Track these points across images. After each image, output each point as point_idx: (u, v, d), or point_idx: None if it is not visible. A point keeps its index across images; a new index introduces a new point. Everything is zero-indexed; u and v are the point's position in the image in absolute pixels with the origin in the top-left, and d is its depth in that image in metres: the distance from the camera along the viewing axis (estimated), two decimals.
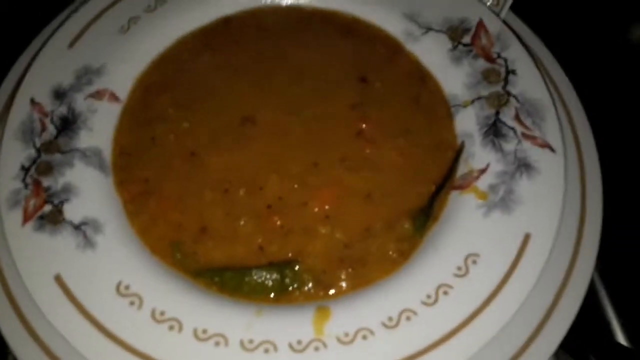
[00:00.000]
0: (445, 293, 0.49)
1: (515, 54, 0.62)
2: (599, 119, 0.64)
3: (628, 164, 0.69)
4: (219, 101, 0.61)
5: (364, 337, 0.47)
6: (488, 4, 0.67)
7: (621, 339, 0.65)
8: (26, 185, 0.53)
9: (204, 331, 0.47)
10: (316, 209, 0.55)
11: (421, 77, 0.64)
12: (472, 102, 0.60)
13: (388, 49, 0.65)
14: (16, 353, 0.48)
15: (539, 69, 0.61)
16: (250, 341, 0.46)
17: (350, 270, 0.52)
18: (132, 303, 0.48)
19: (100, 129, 0.58)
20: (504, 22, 0.65)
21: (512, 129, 0.57)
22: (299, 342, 0.46)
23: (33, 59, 0.62)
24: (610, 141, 0.65)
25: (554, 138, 0.56)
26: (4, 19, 0.76)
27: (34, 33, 0.67)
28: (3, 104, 0.62)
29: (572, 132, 0.62)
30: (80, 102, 0.58)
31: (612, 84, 0.75)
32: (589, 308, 0.63)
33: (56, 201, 0.52)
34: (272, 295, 0.50)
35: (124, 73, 0.61)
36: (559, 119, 0.58)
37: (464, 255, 0.51)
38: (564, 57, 0.67)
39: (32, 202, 0.52)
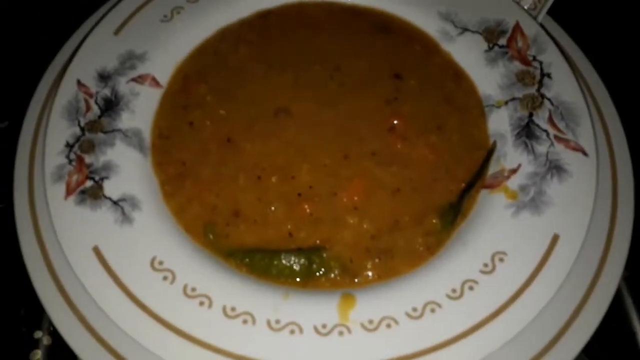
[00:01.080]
0: (471, 288, 0.49)
1: (551, 58, 0.62)
2: (633, 124, 0.63)
3: None
4: (255, 91, 0.63)
5: (388, 326, 0.47)
6: (526, 7, 0.67)
7: None
8: (70, 161, 0.55)
9: (233, 309, 0.48)
10: (345, 200, 0.56)
11: (456, 76, 0.64)
12: (506, 103, 0.60)
13: (423, 48, 0.66)
14: (52, 319, 0.50)
15: (574, 73, 0.61)
16: (277, 321, 0.47)
17: (377, 260, 0.53)
18: (165, 278, 0.49)
19: (141, 111, 0.60)
20: (541, 25, 0.65)
21: (545, 131, 0.58)
22: (324, 326, 0.47)
23: (81, 43, 0.65)
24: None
25: (587, 142, 0.56)
26: (54, 5, 0.79)
27: (82, 18, 0.70)
28: (51, 83, 0.64)
29: (606, 136, 0.62)
30: (123, 85, 0.60)
31: None
32: (615, 317, 0.63)
33: (97, 177, 0.55)
34: (299, 279, 0.51)
35: (165, 60, 0.64)
36: (592, 123, 0.58)
37: (492, 252, 0.51)
38: (600, 62, 0.67)
39: (74, 177, 0.54)
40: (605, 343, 0.59)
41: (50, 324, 0.54)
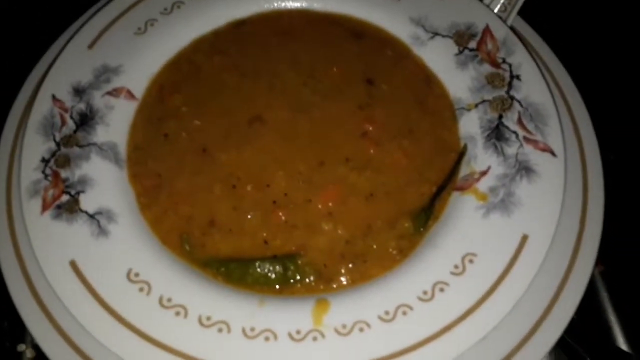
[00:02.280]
0: (442, 290, 0.50)
1: (520, 60, 0.63)
2: (603, 123, 0.65)
3: (631, 170, 0.70)
4: (229, 101, 0.64)
5: (361, 330, 0.48)
6: (495, 10, 0.68)
7: (622, 343, 0.65)
8: (46, 176, 0.56)
9: (208, 318, 0.49)
10: (320, 206, 0.57)
11: (427, 81, 0.65)
12: (476, 105, 0.62)
13: (395, 53, 0.67)
14: (32, 332, 0.51)
15: (543, 74, 0.62)
16: (252, 329, 0.48)
17: (350, 265, 0.54)
18: (141, 289, 0.50)
19: (116, 124, 0.61)
20: (511, 27, 0.66)
21: (515, 132, 0.59)
22: (298, 331, 0.48)
23: (55, 58, 0.65)
24: (615, 145, 0.66)
25: (555, 142, 0.57)
26: (29, 21, 0.79)
27: (56, 34, 0.71)
28: (26, 99, 0.65)
29: (576, 136, 0.63)
30: (98, 99, 0.61)
31: (618, 89, 0.76)
32: (590, 311, 0.64)
33: (73, 192, 0.55)
34: (275, 286, 0.52)
35: (140, 72, 0.64)
36: (561, 123, 0.59)
37: (462, 254, 0.52)
38: (571, 62, 0.68)
39: (50, 192, 0.55)
40: (581, 337, 0.60)
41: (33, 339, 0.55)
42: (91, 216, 0.54)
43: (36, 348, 0.61)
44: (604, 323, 0.66)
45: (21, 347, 0.62)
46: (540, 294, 0.53)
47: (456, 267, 0.51)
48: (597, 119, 0.65)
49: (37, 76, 0.67)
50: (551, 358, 0.59)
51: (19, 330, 0.61)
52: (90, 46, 0.64)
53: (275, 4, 0.71)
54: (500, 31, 0.65)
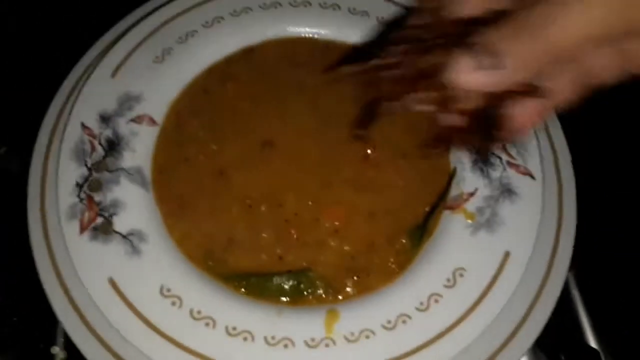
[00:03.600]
0: (436, 301, 0.58)
1: None
2: (579, 145, 0.72)
3: (603, 188, 0.77)
4: (242, 125, 0.70)
5: (367, 337, 0.56)
6: None
7: (591, 340, 0.74)
8: (81, 200, 0.61)
9: (234, 328, 0.56)
10: (327, 224, 0.64)
11: None
12: None
13: None
14: (77, 344, 0.57)
15: None
16: (273, 337, 0.56)
17: (355, 278, 0.61)
18: (173, 303, 0.57)
19: (140, 150, 0.66)
20: None
21: (499, 157, 0.66)
22: (313, 339, 0.56)
23: (77, 84, 0.71)
24: (588, 166, 0.74)
25: (534, 166, 0.65)
26: (43, 48, 0.84)
27: (73, 59, 0.76)
28: (51, 126, 0.70)
29: (553, 157, 0.71)
30: (123, 126, 0.67)
31: (595, 113, 0.83)
32: (564, 312, 0.72)
33: (106, 214, 0.61)
34: (290, 298, 0.59)
35: (159, 99, 0.70)
36: (539, 149, 0.66)
37: (453, 268, 0.60)
38: None
39: (86, 215, 0.61)
40: (555, 337, 0.68)
41: (66, 340, 0.62)
42: (124, 237, 0.60)
43: (68, 350, 0.67)
44: (576, 322, 0.75)
45: (54, 350, 0.68)
46: (521, 301, 0.61)
47: (448, 280, 0.59)
48: (570, 138, 0.72)
49: (60, 103, 0.71)
50: (530, 355, 0.67)
51: (52, 332, 0.68)
52: (113, 75, 0.69)
53: (280, 33, 0.76)
54: None
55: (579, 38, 0.32)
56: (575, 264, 0.74)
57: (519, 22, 0.33)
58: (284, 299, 0.59)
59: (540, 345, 0.68)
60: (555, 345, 0.69)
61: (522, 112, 0.39)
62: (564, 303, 0.73)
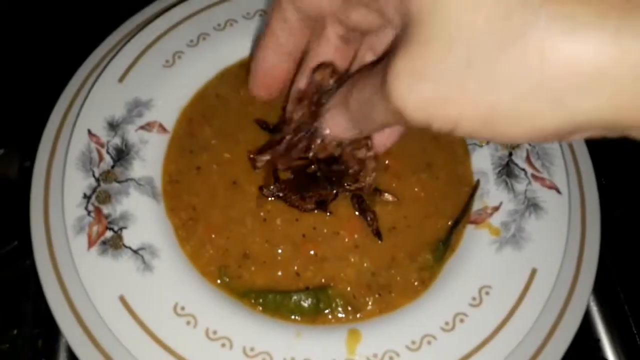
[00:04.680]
0: (462, 321, 0.56)
1: None
2: (600, 157, 0.71)
3: (627, 203, 0.76)
4: (256, 134, 0.67)
5: (391, 358, 0.54)
6: None
7: (610, 355, 0.72)
8: (89, 213, 0.58)
9: (252, 349, 0.53)
10: (347, 239, 0.61)
11: None
12: (487, 142, 0.66)
13: None
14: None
15: None
16: (292, 359, 0.53)
17: (377, 295, 0.59)
18: (188, 323, 0.54)
19: (151, 158, 0.63)
20: None
21: (524, 170, 0.64)
22: None
23: (82, 88, 0.68)
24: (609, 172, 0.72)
25: (560, 180, 0.63)
26: (47, 50, 0.80)
27: (75, 62, 0.72)
28: (55, 131, 0.67)
29: (577, 172, 0.69)
30: (132, 133, 0.64)
31: None
32: (583, 326, 0.71)
33: (116, 228, 0.58)
34: (309, 317, 0.57)
35: (170, 105, 0.67)
36: (565, 162, 0.64)
37: (479, 286, 0.58)
38: None
39: (95, 229, 0.58)
40: (575, 352, 0.67)
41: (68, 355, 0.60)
42: (135, 252, 0.57)
43: None
44: (595, 336, 0.73)
45: None
46: (545, 320, 0.59)
47: (474, 299, 0.57)
48: (593, 151, 0.71)
49: (63, 107, 0.68)
50: None
51: (55, 348, 0.65)
52: (121, 80, 0.66)
53: None
54: None
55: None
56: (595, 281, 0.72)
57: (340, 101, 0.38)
58: (302, 317, 0.57)
59: None
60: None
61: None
62: (583, 318, 0.72)
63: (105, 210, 0.59)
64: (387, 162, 0.66)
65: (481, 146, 0.67)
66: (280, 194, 0.61)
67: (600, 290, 0.74)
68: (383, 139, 0.47)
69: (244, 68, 0.72)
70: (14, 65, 0.80)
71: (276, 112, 0.68)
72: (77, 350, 0.55)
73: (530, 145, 0.65)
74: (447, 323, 0.56)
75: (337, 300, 0.58)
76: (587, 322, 0.74)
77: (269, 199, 0.61)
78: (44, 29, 0.81)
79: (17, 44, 0.81)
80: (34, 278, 0.60)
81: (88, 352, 0.54)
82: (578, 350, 0.67)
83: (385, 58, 0.32)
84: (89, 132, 0.63)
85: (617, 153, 0.73)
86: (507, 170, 0.64)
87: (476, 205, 0.64)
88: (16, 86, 0.79)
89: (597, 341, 0.74)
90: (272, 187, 0.61)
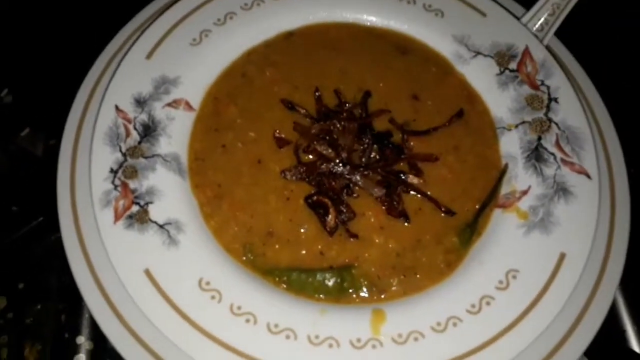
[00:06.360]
0: (488, 304, 0.55)
1: (558, 83, 0.66)
2: (630, 142, 0.69)
3: None
4: (281, 113, 0.67)
5: (416, 339, 0.53)
6: (534, 28, 0.72)
7: (637, 346, 0.71)
8: (115, 187, 0.59)
9: (276, 325, 0.53)
10: (372, 220, 0.61)
11: (469, 98, 0.69)
12: (517, 126, 0.65)
13: (439, 69, 0.70)
14: (105, 332, 0.55)
15: (579, 98, 0.66)
16: (317, 336, 0.53)
17: (402, 277, 0.58)
18: (213, 297, 0.54)
19: (177, 135, 0.63)
20: (548, 48, 0.70)
21: (553, 154, 0.63)
22: (359, 340, 0.53)
23: (109, 65, 0.68)
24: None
25: (590, 165, 0.62)
26: (73, 28, 0.80)
27: (103, 41, 0.72)
28: (82, 108, 0.67)
29: (606, 157, 0.67)
30: (159, 110, 0.64)
31: None
32: (609, 317, 0.69)
33: (142, 202, 0.58)
34: (333, 296, 0.57)
35: (196, 83, 0.67)
36: (595, 147, 0.63)
37: (506, 270, 0.57)
38: (603, 83, 0.72)
39: (121, 203, 0.58)
40: (600, 343, 0.65)
41: (91, 331, 0.60)
42: (161, 226, 0.57)
43: (94, 341, 0.64)
44: (621, 327, 0.72)
45: (80, 340, 0.66)
46: (573, 305, 0.58)
47: (500, 282, 0.56)
48: (623, 136, 0.69)
49: (91, 85, 0.68)
50: None
51: (78, 322, 0.65)
52: (148, 57, 0.66)
53: (322, 17, 0.73)
54: (539, 53, 0.68)
55: None
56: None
57: None
58: (326, 296, 0.57)
59: (587, 352, 0.65)
60: (600, 350, 0.66)
61: None
62: (610, 309, 0.70)
63: (132, 184, 0.59)
64: (412, 143, 0.65)
65: (510, 130, 0.66)
66: (306, 178, 0.62)
67: (627, 282, 0.73)
68: None
69: (270, 48, 0.71)
70: (38, 49, 0.80)
71: (302, 92, 0.68)
72: (102, 325, 0.55)
73: (559, 129, 0.64)
74: (473, 305, 0.55)
75: (361, 280, 0.57)
76: (613, 313, 0.73)
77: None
78: (72, 7, 0.82)
79: (45, 22, 0.81)
80: (59, 253, 0.60)
81: (112, 326, 0.54)
82: (603, 340, 0.66)
83: None
84: (117, 107, 0.63)
85: None
86: (536, 154, 0.63)
87: (504, 189, 0.63)
88: (42, 66, 0.79)
89: (623, 332, 0.72)
90: (293, 169, 0.62)
